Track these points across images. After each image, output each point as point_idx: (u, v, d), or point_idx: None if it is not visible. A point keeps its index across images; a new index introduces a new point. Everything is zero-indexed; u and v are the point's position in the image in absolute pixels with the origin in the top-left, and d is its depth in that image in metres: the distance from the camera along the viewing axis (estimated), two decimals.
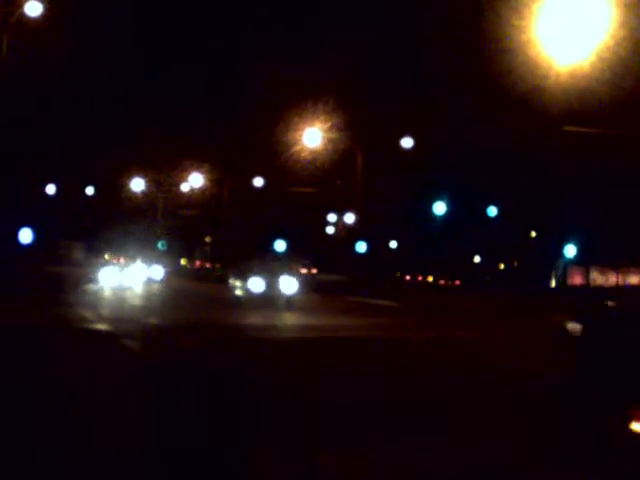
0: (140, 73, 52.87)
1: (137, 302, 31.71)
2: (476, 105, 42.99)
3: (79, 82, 49.88)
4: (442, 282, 61.34)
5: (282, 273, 30.62)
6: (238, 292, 30.77)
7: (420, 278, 64.40)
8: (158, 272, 51.01)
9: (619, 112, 33.59)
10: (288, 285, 29.90)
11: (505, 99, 38.09)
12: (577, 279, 56.08)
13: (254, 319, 24.19)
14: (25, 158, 46.51)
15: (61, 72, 42.59)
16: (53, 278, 36.35)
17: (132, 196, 60.70)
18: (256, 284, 29.74)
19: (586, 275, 55.43)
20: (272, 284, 29.62)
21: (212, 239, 69.21)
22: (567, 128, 32.91)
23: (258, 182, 55.32)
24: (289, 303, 29.25)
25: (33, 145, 48.06)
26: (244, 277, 30.42)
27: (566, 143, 37.85)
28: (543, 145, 41.76)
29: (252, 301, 29.06)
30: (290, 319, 25.04)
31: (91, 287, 37.40)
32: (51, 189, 58.20)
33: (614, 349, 11.46)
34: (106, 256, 68.64)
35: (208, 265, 61.43)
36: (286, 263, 35.02)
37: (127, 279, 43.13)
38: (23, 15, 31.28)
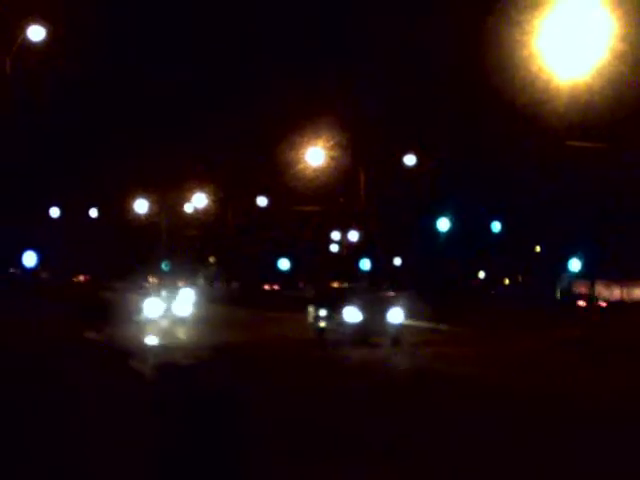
0: (142, 95, 53.02)
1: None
2: (479, 120, 43.09)
3: (80, 104, 50.11)
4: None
5: (386, 301, 25.80)
6: (322, 324, 25.52)
7: None
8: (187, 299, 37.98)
9: (619, 126, 33.68)
10: (395, 316, 24.71)
11: (508, 114, 38.20)
12: (582, 292, 55.97)
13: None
14: (28, 179, 46.62)
15: (64, 94, 42.80)
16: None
17: (135, 217, 60.76)
18: (351, 314, 24.52)
19: (591, 289, 55.33)
20: (373, 314, 24.46)
21: (216, 259, 69.25)
22: (570, 143, 32.96)
23: (262, 201, 55.37)
24: (395, 338, 24.24)
25: (36, 166, 48.17)
26: (333, 306, 25.16)
27: (569, 157, 37.90)
28: (546, 159, 41.81)
29: (343, 334, 24.18)
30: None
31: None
32: (55, 212, 58.24)
33: None
34: (151, 281, 59.40)
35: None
36: (381, 288, 30.84)
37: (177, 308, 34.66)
38: (26, 40, 31.41)
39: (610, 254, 50.98)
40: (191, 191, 57.44)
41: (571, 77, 28.19)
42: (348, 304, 24.47)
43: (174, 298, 34.93)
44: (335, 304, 24.96)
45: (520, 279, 62.04)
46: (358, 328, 24.17)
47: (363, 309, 24.44)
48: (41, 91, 39.95)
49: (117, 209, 61.60)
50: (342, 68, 45.34)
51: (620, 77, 29.43)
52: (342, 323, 24.29)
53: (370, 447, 9.77)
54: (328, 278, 60.21)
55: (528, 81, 30.98)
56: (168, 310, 33.03)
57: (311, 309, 26.62)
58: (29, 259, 41.34)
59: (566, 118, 33.27)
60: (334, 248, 60.02)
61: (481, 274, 63.45)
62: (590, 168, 39.29)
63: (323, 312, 25.51)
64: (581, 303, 50.92)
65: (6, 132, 35.94)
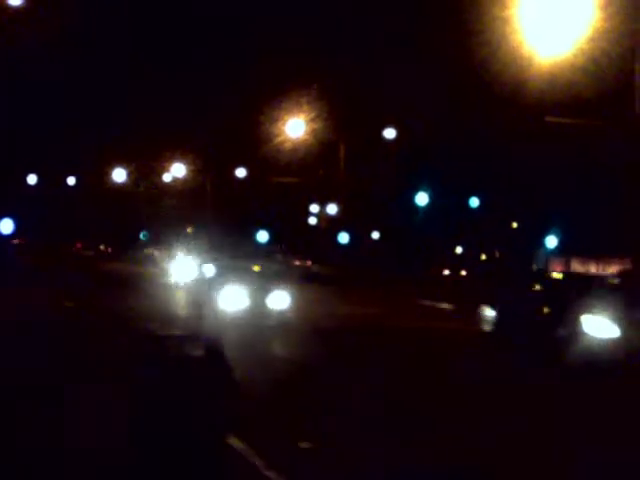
0: (123, 64, 52.65)
1: None
2: (458, 96, 43.13)
3: (60, 72, 49.67)
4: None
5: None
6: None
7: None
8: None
9: (601, 103, 33.81)
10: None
11: (488, 90, 38.27)
12: (558, 269, 56.37)
13: None
14: (5, 148, 46.31)
15: (45, 61, 42.41)
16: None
17: (114, 186, 60.46)
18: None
19: (567, 265, 55.74)
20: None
21: (193, 230, 69.12)
22: (549, 119, 33.07)
23: (240, 172, 55.25)
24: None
25: (14, 135, 47.84)
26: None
27: (548, 133, 38.05)
28: (525, 136, 41.95)
29: None
30: None
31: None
32: (32, 179, 57.90)
33: None
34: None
35: None
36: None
37: None
38: (5, 4, 31.08)
39: (587, 230, 51.33)
40: (170, 161, 57.20)
41: (552, 54, 28.25)
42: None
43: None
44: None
45: (497, 255, 62.35)
46: None
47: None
48: (19, 58, 39.58)
49: (95, 178, 61.27)
50: (324, 41, 45.24)
51: (601, 53, 29.51)
52: None
53: None
54: (305, 251, 60.42)
55: (509, 58, 31.02)
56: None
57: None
58: (6, 226, 41.16)
59: (546, 95, 33.38)
60: (313, 221, 60.08)
61: (458, 249, 63.68)
62: (569, 144, 39.48)
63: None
64: None
65: None
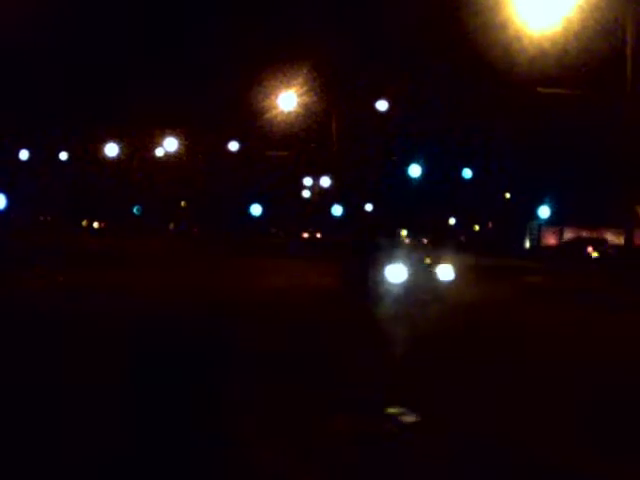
0: (115, 37, 52.28)
1: None
2: (451, 68, 43.04)
3: (52, 45, 49.35)
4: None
5: None
6: None
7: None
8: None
9: (592, 73, 33.78)
10: None
11: (479, 61, 38.16)
12: (551, 240, 56.63)
13: None
14: None
15: (35, 34, 42.12)
16: None
17: (106, 161, 60.29)
18: None
19: (560, 235, 55.97)
20: None
21: (187, 204, 69.14)
22: (541, 90, 33.06)
23: (233, 146, 55.16)
24: None
25: (4, 109, 47.63)
26: None
27: (540, 105, 38.04)
28: (517, 107, 41.93)
29: None
30: None
31: None
32: (24, 154, 57.70)
33: None
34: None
35: None
36: None
37: None
38: None
39: (580, 201, 51.47)
40: (162, 135, 57.03)
41: (543, 25, 28.20)
42: None
43: None
44: None
45: (490, 226, 62.52)
46: None
47: None
48: (8, 27, 39.28)
49: (87, 152, 61.07)
50: (317, 13, 44.92)
51: (593, 25, 29.44)
52: None
53: None
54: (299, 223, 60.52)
55: (500, 28, 30.92)
56: None
57: None
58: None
59: (538, 66, 33.32)
60: (306, 194, 60.11)
61: (452, 220, 63.85)
62: (561, 115, 39.49)
63: None
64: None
65: None
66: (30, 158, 58.43)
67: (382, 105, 45.00)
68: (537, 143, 46.11)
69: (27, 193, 58.62)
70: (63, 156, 61.42)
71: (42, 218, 70.42)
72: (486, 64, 36.95)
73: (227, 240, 52.31)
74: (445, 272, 21.57)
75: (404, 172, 49.57)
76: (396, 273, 20.76)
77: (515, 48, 30.91)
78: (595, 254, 48.47)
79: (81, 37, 51.37)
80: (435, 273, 21.50)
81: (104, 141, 58.35)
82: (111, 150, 58.29)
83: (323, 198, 54.55)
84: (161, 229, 68.94)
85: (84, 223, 73.94)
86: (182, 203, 69.94)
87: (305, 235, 64.66)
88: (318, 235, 65.45)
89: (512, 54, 32.47)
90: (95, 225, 75.45)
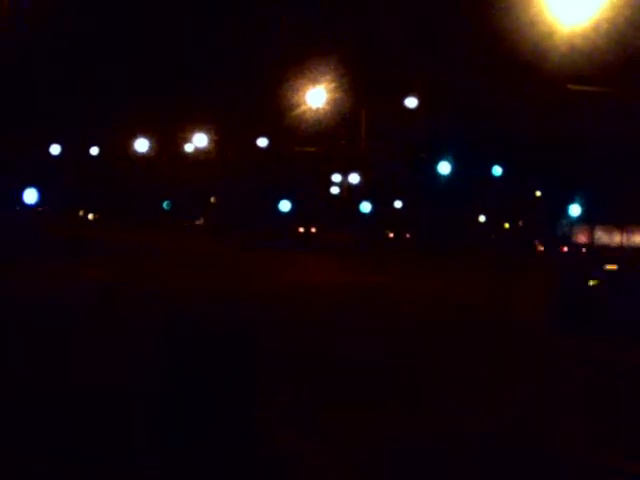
0: (145, 33, 52.49)
1: None
2: (481, 64, 42.72)
3: (83, 41, 49.62)
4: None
5: None
6: None
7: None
8: None
9: (625, 71, 33.38)
10: None
11: (510, 57, 37.84)
12: (582, 238, 56.05)
13: None
14: (28, 118, 46.44)
15: (65, 31, 42.38)
16: None
17: (136, 156, 60.55)
18: None
19: (591, 234, 55.36)
20: None
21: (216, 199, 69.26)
22: (571, 87, 32.69)
23: (262, 142, 55.14)
24: None
25: (37, 104, 47.96)
26: None
27: (571, 102, 37.65)
28: (548, 104, 41.54)
29: None
30: None
31: None
32: (56, 149, 58.06)
33: None
34: None
35: None
36: None
37: None
38: None
39: (611, 199, 50.86)
40: (192, 131, 57.16)
41: (574, 21, 27.86)
42: None
43: None
44: None
45: (520, 224, 62.04)
46: None
47: None
48: (42, 26, 39.55)
49: (118, 148, 61.41)
50: (347, 8, 44.78)
51: (624, 21, 29.08)
52: None
53: None
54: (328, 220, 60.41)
55: (530, 25, 30.64)
56: None
57: None
58: (30, 196, 41.40)
59: (569, 62, 32.96)
60: (335, 190, 59.97)
61: (481, 218, 63.40)
62: (592, 112, 39.07)
63: None
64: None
65: (7, 68, 35.70)
66: (61, 153, 58.83)
67: (411, 102, 44.79)
68: (568, 141, 45.67)
69: (58, 188, 59.09)
70: (94, 151, 61.80)
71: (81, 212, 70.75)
72: (517, 61, 36.65)
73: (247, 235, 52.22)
74: None
75: (433, 169, 49.30)
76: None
77: (546, 45, 30.61)
78: None
79: (112, 30, 51.61)
80: None
81: (134, 136, 58.64)
82: (141, 145, 58.55)
83: (352, 194, 54.39)
84: (189, 225, 69.11)
85: (80, 213, 72.81)
86: (211, 199, 70.10)
87: (300, 230, 64.74)
88: (313, 230, 65.48)
89: (543, 50, 32.18)
90: (90, 216, 74.13)
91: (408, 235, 64.23)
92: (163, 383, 7.50)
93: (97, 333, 12.87)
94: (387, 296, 21.82)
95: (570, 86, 32.82)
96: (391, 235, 63.98)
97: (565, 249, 20.70)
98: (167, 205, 67.56)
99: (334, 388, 9.87)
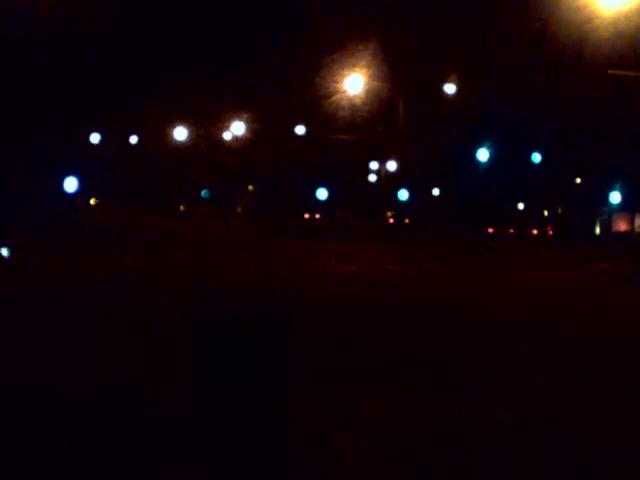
0: (185, 23, 52.76)
1: None
2: (520, 50, 42.37)
3: (121, 31, 49.95)
4: (535, 232, 59.64)
5: None
6: None
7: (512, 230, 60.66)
8: None
9: None
10: None
11: (551, 43, 37.50)
12: (622, 226, 55.52)
13: None
14: (69, 106, 46.82)
15: (105, 20, 42.68)
16: None
17: (175, 145, 60.88)
18: None
19: (631, 222, 54.83)
20: None
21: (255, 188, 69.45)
22: (612, 72, 32.35)
23: (300, 130, 55.20)
24: None
25: (77, 93, 48.33)
26: None
27: (612, 88, 37.24)
28: (589, 90, 41.11)
29: None
30: None
31: None
32: (95, 138, 58.53)
33: None
34: None
35: None
36: None
37: None
38: None
39: None
40: (230, 119, 57.36)
41: (616, 5, 27.57)
42: None
43: None
44: None
45: (560, 211, 61.52)
46: None
47: None
48: (85, 19, 39.89)
49: (157, 137, 61.76)
50: None
51: None
52: None
53: None
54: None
55: (572, 9, 30.35)
56: None
57: None
58: (70, 184, 41.87)
59: (611, 48, 32.62)
60: (372, 178, 59.89)
61: (520, 205, 62.97)
62: (633, 98, 38.59)
63: None
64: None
65: (47, 56, 36.06)
66: (101, 141, 59.29)
67: (450, 88, 44.58)
68: (609, 127, 45.16)
69: (98, 177, 59.61)
70: (133, 140, 62.22)
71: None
72: (558, 46, 36.31)
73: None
74: None
75: (472, 156, 49.05)
76: None
77: (588, 29, 30.32)
78: None
79: (152, 23, 51.90)
80: None
81: (173, 125, 58.97)
82: (180, 134, 58.86)
83: (390, 182, 54.24)
84: (230, 212, 69.31)
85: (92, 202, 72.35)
86: (250, 187, 70.30)
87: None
88: (306, 215, 65.48)
89: (585, 35, 31.87)
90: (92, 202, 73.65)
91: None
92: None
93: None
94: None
95: (611, 71, 32.47)
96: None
97: None
98: (205, 194, 67.89)
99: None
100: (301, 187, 59.56)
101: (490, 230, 58.30)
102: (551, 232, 59.18)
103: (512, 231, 59.49)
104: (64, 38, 38.72)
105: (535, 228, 59.83)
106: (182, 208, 72.25)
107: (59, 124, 43.98)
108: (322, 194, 55.08)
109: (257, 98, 54.74)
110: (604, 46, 31.77)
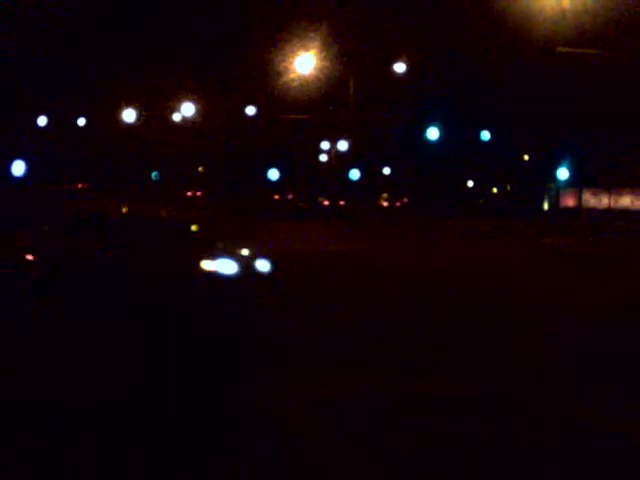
0: (133, 2, 52.17)
1: None
2: (468, 29, 42.69)
3: (70, 12, 49.26)
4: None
5: None
6: None
7: None
8: None
9: (611, 33, 33.47)
10: None
11: (499, 22, 37.85)
12: (570, 202, 56.40)
13: None
14: (14, 90, 46.19)
15: (53, 2, 42.07)
16: None
17: (123, 127, 60.23)
18: None
19: (579, 197, 55.72)
20: None
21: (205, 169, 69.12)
22: (560, 49, 32.79)
23: (250, 110, 55.00)
24: None
25: (24, 76, 47.67)
26: None
27: (560, 65, 37.74)
28: (536, 68, 41.61)
29: None
30: None
31: None
32: (42, 120, 57.73)
33: None
34: None
35: None
36: None
37: None
38: None
39: (599, 162, 51.17)
40: (179, 100, 56.92)
41: None
42: None
43: None
44: None
45: (508, 188, 62.31)
46: None
47: None
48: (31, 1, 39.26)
49: (105, 119, 61.07)
50: None
51: None
52: None
53: None
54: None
55: None
56: None
57: None
58: (17, 168, 41.32)
59: (556, 26, 33.02)
60: (323, 158, 59.97)
61: (470, 183, 63.65)
62: (580, 75, 39.19)
63: None
64: None
65: None
66: (48, 124, 58.51)
67: (399, 67, 44.78)
68: (556, 104, 45.78)
69: (46, 159, 58.82)
70: (81, 122, 61.45)
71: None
72: (505, 24, 36.68)
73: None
74: None
75: (422, 135, 49.37)
76: None
77: (535, 7, 30.69)
78: None
79: (95, 5, 51.23)
80: None
81: (121, 107, 58.35)
82: (129, 116, 58.26)
83: (340, 162, 54.43)
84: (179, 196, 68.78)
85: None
86: (200, 168, 69.92)
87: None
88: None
89: (531, 14, 32.24)
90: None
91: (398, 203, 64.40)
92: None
93: None
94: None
95: (559, 49, 32.91)
96: (384, 203, 63.92)
97: None
98: (155, 176, 67.36)
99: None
100: (253, 168, 59.43)
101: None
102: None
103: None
104: (9, 22, 38.10)
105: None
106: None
107: (5, 108, 43.37)
108: (273, 174, 55.04)
109: (207, 79, 54.46)
110: (550, 24, 32.20)
